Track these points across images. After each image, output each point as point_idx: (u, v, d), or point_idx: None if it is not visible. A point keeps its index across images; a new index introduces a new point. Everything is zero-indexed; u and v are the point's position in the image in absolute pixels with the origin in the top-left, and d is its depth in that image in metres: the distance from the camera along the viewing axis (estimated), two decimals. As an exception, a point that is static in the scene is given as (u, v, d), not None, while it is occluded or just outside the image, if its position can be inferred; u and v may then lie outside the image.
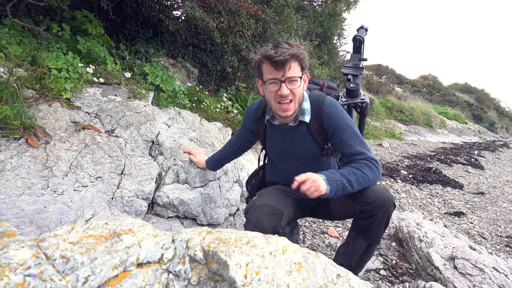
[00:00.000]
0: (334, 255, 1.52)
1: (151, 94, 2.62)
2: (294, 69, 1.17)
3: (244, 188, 2.18)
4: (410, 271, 1.93)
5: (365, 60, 1.63)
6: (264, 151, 1.63)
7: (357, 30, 1.64)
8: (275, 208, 1.24)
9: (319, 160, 1.41)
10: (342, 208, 1.37)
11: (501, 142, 13.46)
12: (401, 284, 1.59)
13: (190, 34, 4.52)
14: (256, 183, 1.66)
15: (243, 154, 2.18)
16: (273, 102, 1.23)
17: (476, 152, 8.75)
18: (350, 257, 1.35)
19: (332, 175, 1.19)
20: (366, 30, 1.65)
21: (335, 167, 1.49)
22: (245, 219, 1.30)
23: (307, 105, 1.31)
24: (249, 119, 1.51)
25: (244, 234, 0.71)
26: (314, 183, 1.13)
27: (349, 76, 1.60)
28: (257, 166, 1.75)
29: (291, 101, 1.22)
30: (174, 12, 4.20)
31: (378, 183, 1.31)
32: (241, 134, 1.63)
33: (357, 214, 1.26)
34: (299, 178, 1.14)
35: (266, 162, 1.65)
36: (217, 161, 1.78)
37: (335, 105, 1.31)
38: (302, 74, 1.21)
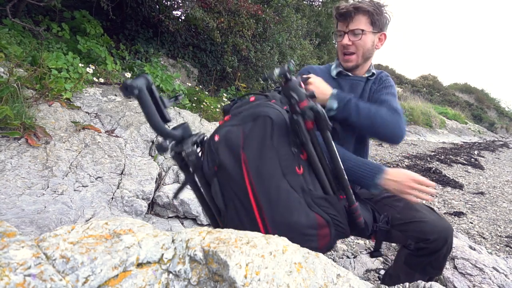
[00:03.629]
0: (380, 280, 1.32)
1: (151, 94, 2.62)
2: (358, 22, 1.16)
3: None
4: (410, 271, 1.93)
5: None
6: None
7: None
8: None
9: None
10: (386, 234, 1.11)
11: (501, 142, 13.45)
12: (401, 284, 1.58)
13: (190, 34, 4.53)
14: None
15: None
16: (340, 53, 1.25)
17: (476, 152, 8.75)
18: None
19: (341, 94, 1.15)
20: None
21: None
22: None
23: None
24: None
25: (244, 234, 0.71)
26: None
27: None
28: None
29: (353, 53, 1.21)
30: (174, 12, 4.21)
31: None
32: None
33: (411, 250, 1.11)
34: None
35: None
36: None
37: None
38: (373, 29, 1.18)
